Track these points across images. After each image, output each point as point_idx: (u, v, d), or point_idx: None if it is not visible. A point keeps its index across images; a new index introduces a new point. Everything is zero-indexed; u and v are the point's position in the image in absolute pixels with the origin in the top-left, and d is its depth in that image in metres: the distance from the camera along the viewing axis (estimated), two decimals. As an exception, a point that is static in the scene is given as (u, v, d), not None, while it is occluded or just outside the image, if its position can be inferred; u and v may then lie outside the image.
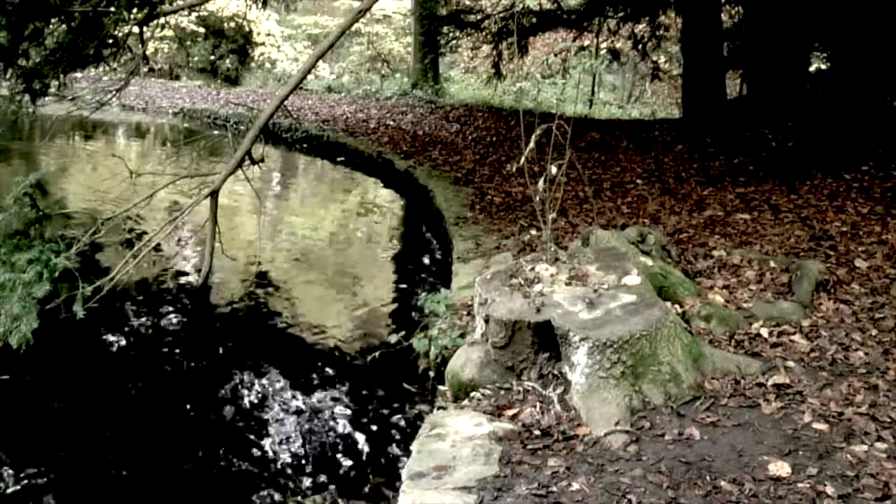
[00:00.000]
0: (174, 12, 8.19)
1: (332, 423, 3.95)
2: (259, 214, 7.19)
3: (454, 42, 16.01)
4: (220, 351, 4.82)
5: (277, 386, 4.33)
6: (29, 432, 3.80)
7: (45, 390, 4.17)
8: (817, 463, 2.72)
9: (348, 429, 3.89)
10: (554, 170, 3.92)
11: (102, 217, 4.85)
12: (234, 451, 3.65)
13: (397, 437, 3.78)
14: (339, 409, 4.08)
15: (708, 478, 2.62)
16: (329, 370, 4.54)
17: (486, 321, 3.45)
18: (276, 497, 3.34)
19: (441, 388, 3.69)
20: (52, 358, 4.41)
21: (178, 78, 19.98)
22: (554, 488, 2.57)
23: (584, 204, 6.82)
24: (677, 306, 3.82)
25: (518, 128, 4.31)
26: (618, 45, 14.86)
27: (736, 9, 12.26)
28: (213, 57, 19.59)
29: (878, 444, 2.85)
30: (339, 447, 3.74)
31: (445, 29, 14.87)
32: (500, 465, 2.72)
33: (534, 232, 5.02)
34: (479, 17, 13.74)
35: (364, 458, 3.65)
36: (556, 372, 3.31)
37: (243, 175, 5.65)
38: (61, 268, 4.00)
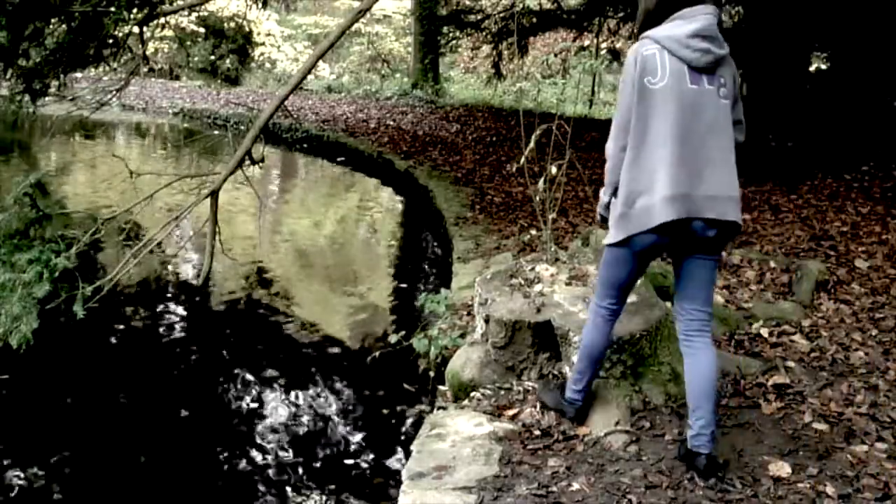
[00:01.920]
0: (174, 12, 8.18)
1: (332, 423, 3.95)
2: (259, 214, 7.18)
3: (454, 42, 16.00)
4: (220, 351, 4.81)
5: (277, 386, 4.32)
6: (29, 432, 3.79)
7: (45, 390, 4.16)
8: (817, 463, 2.72)
9: (349, 429, 3.89)
10: (554, 170, 3.93)
11: (102, 217, 4.85)
12: (234, 451, 3.65)
13: (397, 437, 3.77)
14: (339, 409, 4.08)
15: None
16: (329, 370, 4.54)
17: (486, 321, 3.45)
18: (277, 497, 3.34)
19: (441, 388, 3.69)
20: (52, 358, 4.41)
21: (178, 78, 19.98)
22: (554, 488, 2.57)
23: (584, 204, 6.81)
24: (677, 306, 3.82)
25: (518, 128, 4.31)
26: (618, 45, 14.85)
27: (736, 9, 12.26)
28: (213, 57, 19.59)
29: (878, 444, 2.85)
30: (340, 447, 3.74)
31: (445, 29, 14.86)
32: (501, 465, 2.72)
33: (534, 232, 5.02)
34: (479, 17, 13.73)
35: (364, 458, 3.65)
36: (556, 372, 3.31)
37: (243, 175, 5.65)
38: (61, 268, 3.99)
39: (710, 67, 2.54)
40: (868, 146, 7.94)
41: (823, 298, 4.30)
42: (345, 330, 5.16)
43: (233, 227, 7.45)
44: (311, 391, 4.27)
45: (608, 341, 2.86)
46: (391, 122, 13.13)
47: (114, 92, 6.76)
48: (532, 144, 3.90)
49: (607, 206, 2.75)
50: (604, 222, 2.83)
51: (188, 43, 18.62)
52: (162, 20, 6.49)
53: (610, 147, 2.67)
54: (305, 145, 12.43)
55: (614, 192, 2.65)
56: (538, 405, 3.09)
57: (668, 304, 3.63)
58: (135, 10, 5.72)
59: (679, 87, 2.50)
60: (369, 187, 10.17)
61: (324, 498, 3.33)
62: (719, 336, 3.78)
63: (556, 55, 18.23)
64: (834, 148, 8.03)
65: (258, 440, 3.77)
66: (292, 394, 4.23)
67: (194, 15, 18.35)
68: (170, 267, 6.36)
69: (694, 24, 2.50)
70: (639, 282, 3.53)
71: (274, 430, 3.86)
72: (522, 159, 3.98)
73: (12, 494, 3.27)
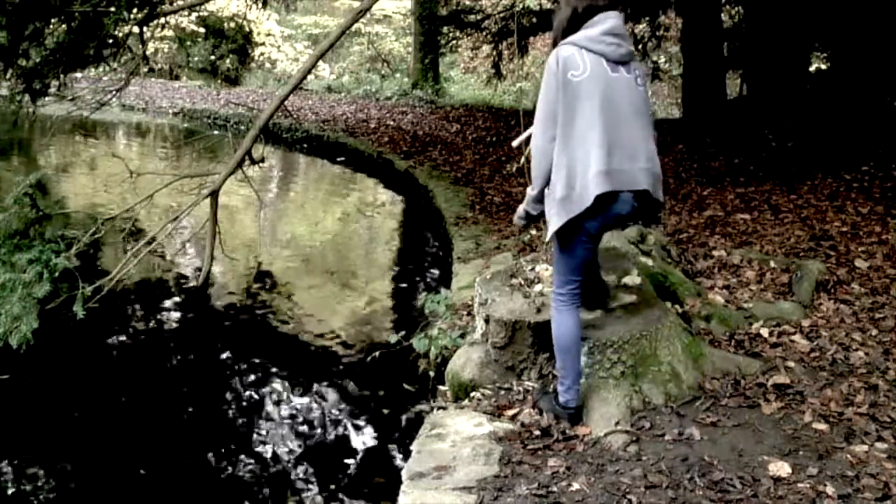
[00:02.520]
0: (174, 12, 8.18)
1: (332, 423, 3.95)
2: (259, 214, 7.19)
3: (454, 42, 16.00)
4: (220, 351, 4.81)
5: (277, 386, 4.33)
6: (29, 432, 3.79)
7: (45, 390, 4.16)
8: (817, 463, 2.72)
9: (348, 429, 3.89)
10: None
11: (102, 217, 4.85)
12: (234, 451, 3.65)
13: (397, 437, 3.77)
14: (339, 409, 4.08)
15: (708, 478, 2.62)
16: (329, 370, 4.54)
17: (486, 321, 3.45)
18: (277, 497, 3.34)
19: (441, 388, 3.69)
20: (52, 358, 4.41)
21: (178, 78, 19.98)
22: (554, 488, 2.57)
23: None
24: (677, 306, 3.83)
25: (518, 128, 4.32)
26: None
27: (736, 9, 12.25)
28: (213, 57, 19.59)
29: (878, 444, 2.85)
30: (340, 447, 3.74)
31: (445, 29, 14.86)
32: (501, 465, 2.72)
33: (534, 232, 5.02)
34: (479, 17, 13.72)
35: (364, 458, 3.65)
36: (555, 372, 3.31)
37: (243, 175, 5.65)
38: (61, 268, 4.00)
39: (625, 60, 2.82)
40: (868, 146, 7.94)
41: (823, 298, 4.30)
42: (345, 330, 5.17)
43: (233, 227, 7.45)
44: (311, 391, 4.27)
45: (579, 327, 2.94)
46: (391, 122, 13.13)
47: (114, 92, 6.76)
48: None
49: (538, 200, 2.88)
50: (527, 220, 2.99)
51: (188, 43, 18.60)
52: (162, 20, 6.50)
53: (538, 141, 2.81)
54: (305, 145, 12.43)
55: (547, 184, 2.81)
56: (535, 410, 3.09)
57: (668, 303, 3.63)
58: (135, 10, 5.72)
59: (601, 75, 2.76)
60: (369, 187, 10.17)
61: (324, 498, 3.33)
62: (719, 336, 3.78)
63: (556, 55, 18.18)
64: (834, 148, 8.03)
65: (258, 440, 3.77)
66: (292, 394, 4.23)
67: (194, 15, 18.34)
68: (170, 267, 6.36)
69: (604, 24, 2.81)
70: (639, 281, 3.54)
71: (274, 430, 3.86)
72: (522, 159, 3.98)
73: (12, 494, 3.27)
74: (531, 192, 2.89)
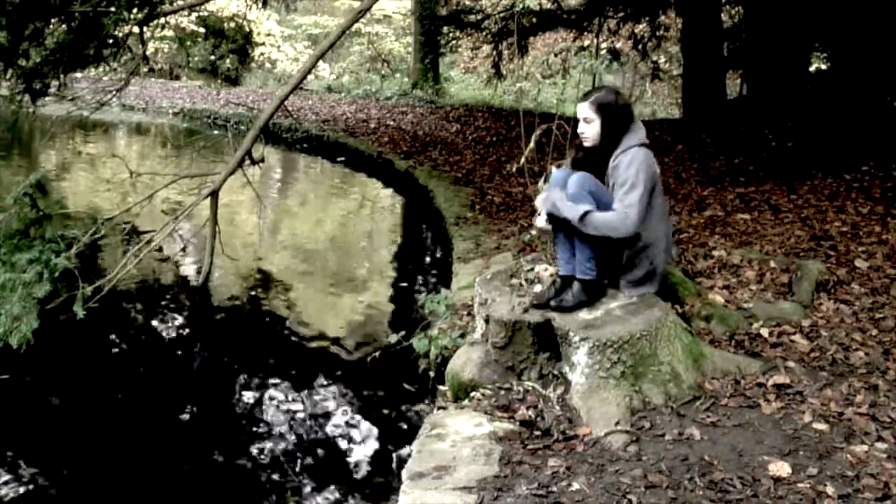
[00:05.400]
0: (174, 12, 8.18)
1: (332, 423, 3.95)
2: (259, 214, 7.19)
3: (454, 42, 16.01)
4: (220, 351, 4.81)
5: (277, 386, 4.32)
6: (29, 432, 3.79)
7: (45, 390, 4.16)
8: (817, 463, 2.72)
9: (348, 429, 3.89)
10: (554, 170, 3.92)
11: (102, 217, 4.85)
12: (234, 451, 3.65)
13: (397, 437, 3.77)
14: (339, 409, 4.08)
15: (708, 478, 2.62)
16: (329, 370, 4.54)
17: (486, 321, 3.45)
18: (277, 497, 3.34)
19: (441, 388, 3.69)
20: (52, 358, 4.41)
21: (178, 78, 19.98)
22: (554, 488, 2.57)
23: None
24: (677, 306, 3.83)
25: (518, 128, 4.32)
26: (618, 45, 14.84)
27: (736, 9, 12.26)
28: (213, 57, 19.60)
29: (878, 444, 2.85)
30: (340, 447, 3.74)
31: (445, 29, 14.87)
32: (501, 465, 2.72)
33: (534, 232, 5.01)
34: (479, 17, 13.72)
35: (364, 458, 3.65)
36: (556, 372, 3.31)
37: (243, 175, 5.65)
38: (61, 268, 4.00)
39: None
40: (868, 146, 7.94)
41: (823, 298, 4.30)
42: (345, 330, 5.16)
43: (233, 227, 7.45)
44: (311, 391, 4.26)
45: None
46: (391, 122, 13.13)
47: (114, 92, 6.77)
48: (532, 144, 3.90)
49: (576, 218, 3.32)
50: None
51: (188, 43, 18.62)
52: (162, 20, 6.50)
53: (637, 217, 3.28)
54: (305, 145, 12.42)
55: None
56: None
57: (668, 303, 3.63)
58: (135, 10, 5.72)
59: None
60: (369, 187, 10.17)
61: (324, 498, 3.33)
62: (719, 336, 3.78)
63: (556, 55, 18.21)
64: (834, 148, 8.03)
65: (258, 440, 3.77)
66: (292, 394, 4.23)
67: (194, 15, 18.36)
68: (170, 267, 6.36)
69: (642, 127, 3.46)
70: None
71: (274, 430, 3.86)
72: (522, 159, 3.98)
73: (12, 494, 3.27)
74: (580, 211, 3.27)
